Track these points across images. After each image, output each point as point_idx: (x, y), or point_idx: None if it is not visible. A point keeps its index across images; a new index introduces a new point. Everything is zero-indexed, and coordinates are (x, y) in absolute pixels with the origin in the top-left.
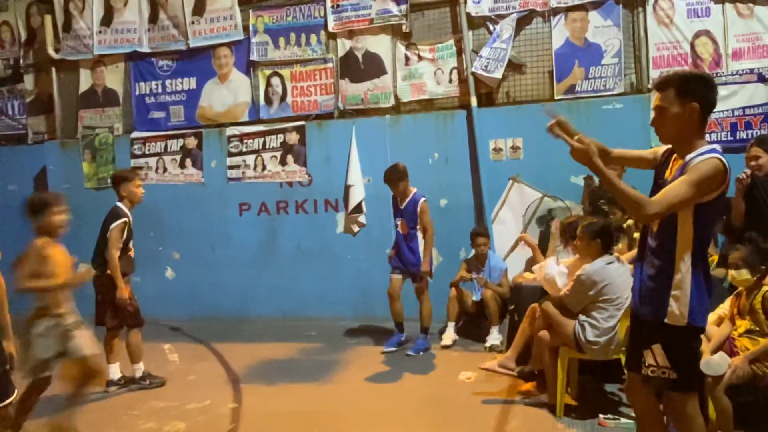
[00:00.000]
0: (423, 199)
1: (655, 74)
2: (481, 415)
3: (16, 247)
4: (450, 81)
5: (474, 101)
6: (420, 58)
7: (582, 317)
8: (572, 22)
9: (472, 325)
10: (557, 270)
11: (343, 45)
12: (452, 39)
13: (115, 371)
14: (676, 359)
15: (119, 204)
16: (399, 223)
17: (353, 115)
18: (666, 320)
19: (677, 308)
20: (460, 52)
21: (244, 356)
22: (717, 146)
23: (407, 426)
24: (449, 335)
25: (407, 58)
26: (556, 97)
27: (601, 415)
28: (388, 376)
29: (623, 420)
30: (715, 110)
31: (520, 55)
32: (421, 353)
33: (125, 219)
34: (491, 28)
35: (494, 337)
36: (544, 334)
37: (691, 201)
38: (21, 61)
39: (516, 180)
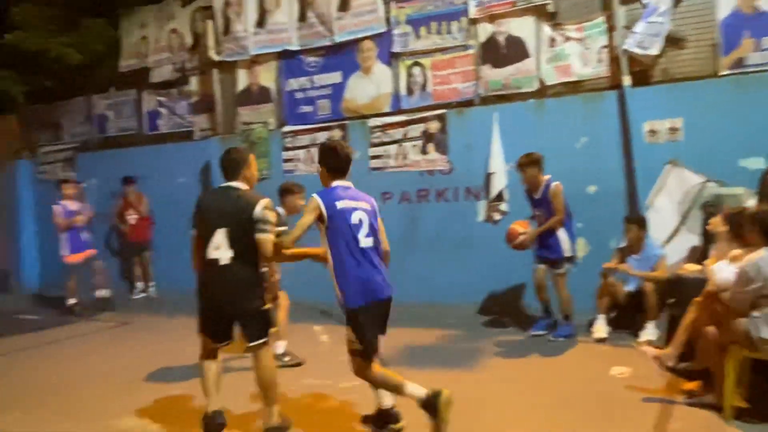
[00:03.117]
0: (555, 183)
1: None
2: (638, 412)
3: (182, 233)
4: (599, 61)
5: (627, 81)
6: (566, 38)
7: (755, 313)
8: None
9: (625, 318)
10: (732, 272)
11: (485, 30)
12: (602, 16)
13: (280, 347)
14: (355, 333)
15: (280, 209)
16: (538, 213)
17: (495, 101)
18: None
19: (338, 297)
20: (610, 29)
21: (388, 340)
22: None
23: (557, 420)
24: (601, 327)
25: (552, 40)
26: (720, 73)
27: None
28: (533, 367)
29: None
30: None
31: (680, 29)
32: (563, 339)
33: (284, 228)
34: (645, 1)
35: (650, 332)
36: (711, 330)
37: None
38: (187, 64)
39: (674, 164)
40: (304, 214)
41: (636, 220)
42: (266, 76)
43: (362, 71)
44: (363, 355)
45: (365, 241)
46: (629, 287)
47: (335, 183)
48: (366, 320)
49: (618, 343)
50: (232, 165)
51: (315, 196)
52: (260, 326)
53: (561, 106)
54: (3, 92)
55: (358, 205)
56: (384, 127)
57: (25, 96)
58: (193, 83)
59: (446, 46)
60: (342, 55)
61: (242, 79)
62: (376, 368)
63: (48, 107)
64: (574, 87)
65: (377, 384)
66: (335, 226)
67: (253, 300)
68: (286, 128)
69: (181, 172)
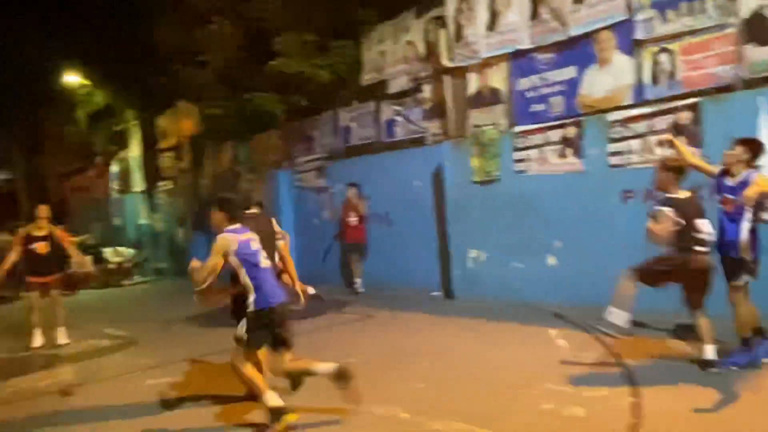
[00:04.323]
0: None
1: None
2: None
3: (419, 232)
4: None
5: None
6: None
7: None
8: None
9: None
10: None
11: (748, 5)
12: None
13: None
14: (247, 328)
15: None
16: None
17: (761, 84)
18: None
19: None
20: None
21: (632, 350)
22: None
23: None
24: None
25: None
26: None
27: None
28: None
29: None
30: None
31: None
32: (735, 368)
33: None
34: None
35: None
36: None
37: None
38: (421, 73)
39: None
40: (212, 256)
41: None
42: (497, 78)
43: (599, 63)
44: (247, 346)
45: (264, 263)
46: None
47: (234, 225)
48: (260, 320)
49: None
50: (240, 204)
51: (222, 236)
52: None
53: None
54: (268, 112)
55: (253, 236)
56: (625, 121)
57: (285, 113)
58: (426, 91)
59: (699, 28)
60: (576, 49)
61: (473, 83)
62: (249, 367)
63: (302, 122)
64: None
65: (242, 379)
66: (242, 256)
67: None
68: (517, 128)
69: (416, 176)
